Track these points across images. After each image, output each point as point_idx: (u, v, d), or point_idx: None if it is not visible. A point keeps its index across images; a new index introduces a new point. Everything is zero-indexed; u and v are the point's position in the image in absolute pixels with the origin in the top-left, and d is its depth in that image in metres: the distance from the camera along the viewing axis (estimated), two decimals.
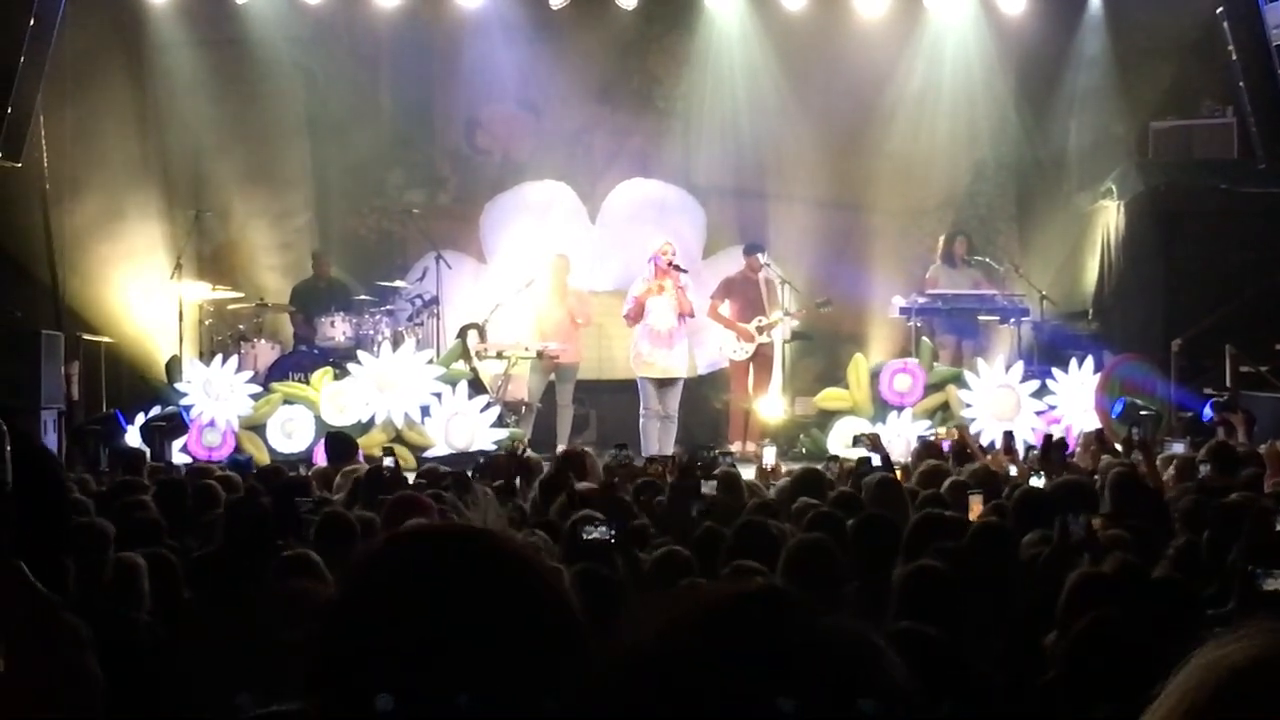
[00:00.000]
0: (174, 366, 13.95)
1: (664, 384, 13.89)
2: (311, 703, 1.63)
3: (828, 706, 1.22)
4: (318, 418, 13.33)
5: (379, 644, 1.54)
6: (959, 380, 14.01)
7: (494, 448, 12.58)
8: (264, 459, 12.43)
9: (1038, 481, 7.98)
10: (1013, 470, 9.41)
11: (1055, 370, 13.89)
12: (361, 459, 10.56)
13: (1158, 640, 3.52)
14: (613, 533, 4.40)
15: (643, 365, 13.90)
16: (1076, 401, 13.64)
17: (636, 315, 13.85)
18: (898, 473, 9.17)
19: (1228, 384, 13.24)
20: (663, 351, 13.80)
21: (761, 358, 14.38)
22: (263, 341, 14.49)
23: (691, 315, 13.87)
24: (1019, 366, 13.98)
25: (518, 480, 8.61)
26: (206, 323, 14.81)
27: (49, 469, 3.58)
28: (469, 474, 8.96)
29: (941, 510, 6.58)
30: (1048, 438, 9.39)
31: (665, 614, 1.32)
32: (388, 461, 9.04)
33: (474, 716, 1.49)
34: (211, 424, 13.27)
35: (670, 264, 13.73)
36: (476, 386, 13.80)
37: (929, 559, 4.92)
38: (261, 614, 4.85)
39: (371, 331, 14.29)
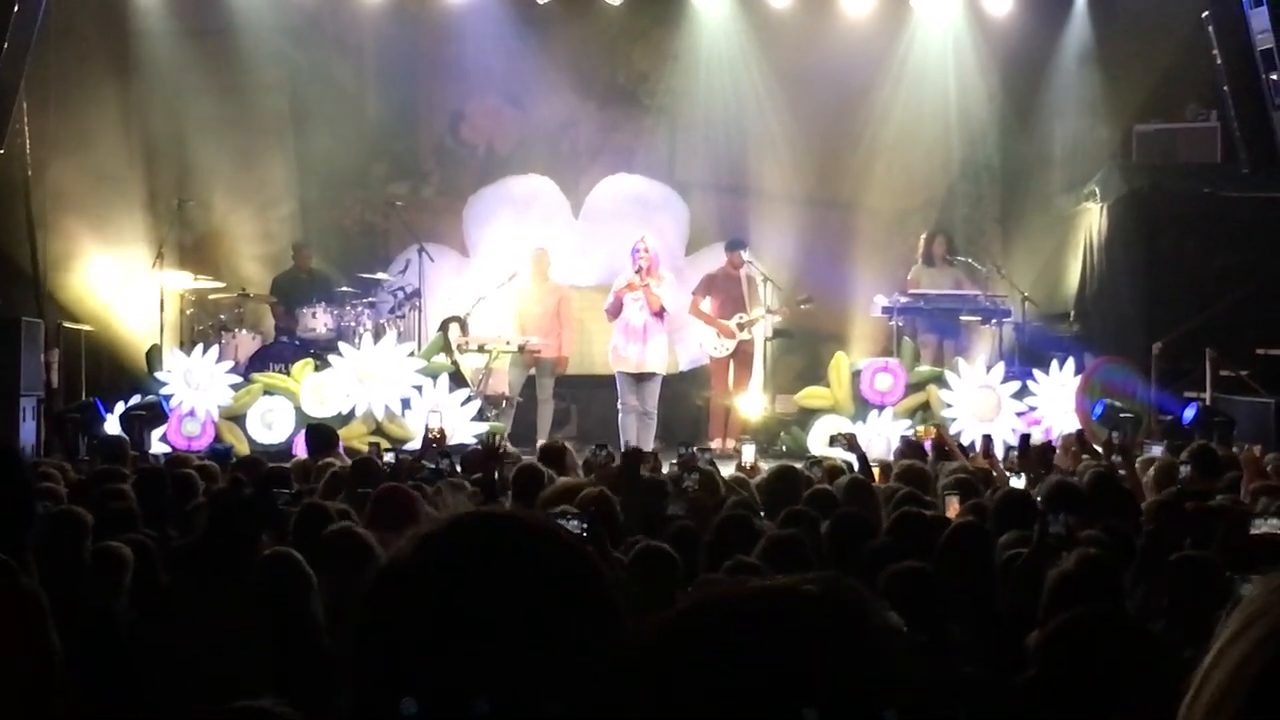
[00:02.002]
0: (154, 356, 13.90)
1: (640, 379, 13.88)
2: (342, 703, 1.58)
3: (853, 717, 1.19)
4: (298, 409, 13.29)
5: (411, 643, 1.47)
6: (940, 380, 14.02)
7: (474, 441, 12.57)
8: (244, 449, 12.40)
9: (1018, 482, 7.98)
10: (992, 473, 9.42)
11: (1036, 371, 13.91)
12: (342, 451, 10.53)
13: (1132, 639, 3.53)
14: (585, 526, 4.38)
15: (617, 360, 13.93)
16: (1057, 403, 13.67)
17: (616, 311, 13.86)
18: (876, 472, 9.18)
19: (1208, 388, 13.28)
20: (636, 347, 13.80)
21: (742, 355, 14.37)
22: (244, 332, 14.45)
23: (662, 313, 13.84)
24: (1000, 367, 14.00)
25: (495, 474, 8.55)
26: (188, 312, 14.75)
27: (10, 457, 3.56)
28: (442, 468, 8.91)
29: (919, 509, 6.58)
30: (1025, 438, 9.38)
31: (693, 611, 1.28)
32: (400, 454, 8.98)
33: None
34: (191, 414, 13.23)
35: (639, 263, 13.73)
36: (457, 380, 13.79)
37: (913, 560, 4.91)
38: (243, 606, 4.85)
39: (353, 323, 14.26)
